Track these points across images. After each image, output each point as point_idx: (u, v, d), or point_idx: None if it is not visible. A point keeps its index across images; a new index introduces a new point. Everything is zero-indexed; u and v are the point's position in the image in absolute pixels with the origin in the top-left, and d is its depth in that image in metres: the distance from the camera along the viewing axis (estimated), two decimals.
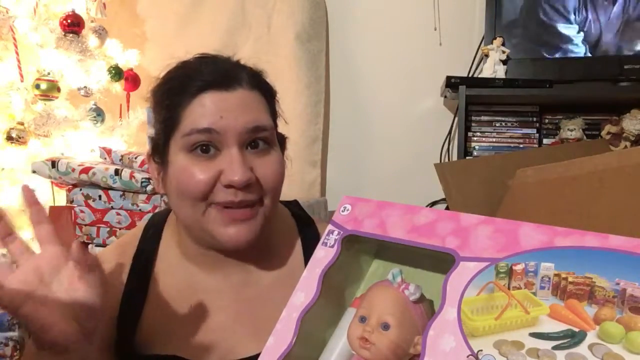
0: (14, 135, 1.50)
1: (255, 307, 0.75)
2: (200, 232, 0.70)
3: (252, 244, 0.70)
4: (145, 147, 0.77)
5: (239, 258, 0.76)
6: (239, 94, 0.68)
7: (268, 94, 0.74)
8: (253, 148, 0.69)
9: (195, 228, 0.71)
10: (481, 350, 0.43)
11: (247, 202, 0.67)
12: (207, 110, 0.66)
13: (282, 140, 0.77)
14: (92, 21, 1.68)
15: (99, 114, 1.65)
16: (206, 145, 0.67)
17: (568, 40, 1.67)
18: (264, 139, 0.69)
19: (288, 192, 0.80)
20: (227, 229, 0.68)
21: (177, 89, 0.69)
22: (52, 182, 1.53)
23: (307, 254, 0.79)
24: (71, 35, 1.57)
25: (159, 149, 0.72)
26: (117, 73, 1.69)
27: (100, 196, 1.38)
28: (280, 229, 0.82)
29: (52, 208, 1.47)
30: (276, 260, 0.79)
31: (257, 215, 0.69)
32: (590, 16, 1.65)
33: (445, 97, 1.83)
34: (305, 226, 0.84)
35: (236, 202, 0.67)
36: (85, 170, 1.36)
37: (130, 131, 1.72)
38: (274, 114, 0.74)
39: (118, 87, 1.74)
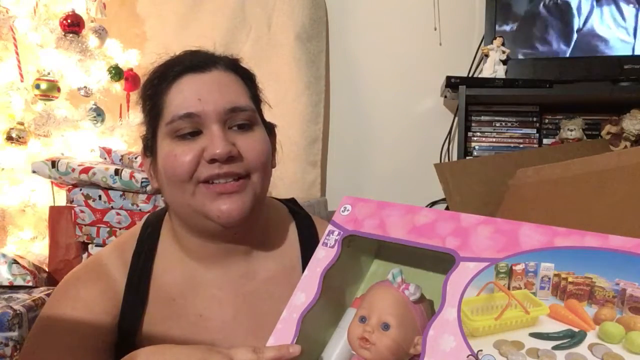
0: (14, 135, 1.50)
1: (253, 302, 0.76)
2: (194, 217, 0.71)
3: (245, 220, 0.70)
4: None
5: (236, 251, 0.76)
6: (215, 74, 0.71)
7: (246, 77, 0.75)
8: (235, 127, 0.70)
9: (189, 213, 0.71)
10: (481, 350, 0.43)
11: (231, 174, 0.68)
12: (185, 95, 0.69)
13: (269, 127, 0.78)
14: (92, 21, 1.68)
15: (99, 114, 1.65)
16: (188, 129, 0.68)
17: (568, 40, 1.67)
18: (244, 119, 0.71)
19: (288, 192, 0.80)
20: (217, 204, 0.68)
21: (157, 79, 0.72)
22: (52, 182, 1.53)
23: (304, 250, 0.80)
24: (71, 35, 1.57)
25: (149, 143, 0.74)
26: (117, 73, 1.69)
27: (100, 196, 1.38)
28: (277, 224, 0.82)
29: (52, 208, 1.47)
30: (273, 254, 0.80)
31: (246, 189, 0.70)
32: (591, 16, 1.65)
33: (445, 97, 1.83)
34: (302, 222, 0.84)
35: (222, 174, 0.68)
36: (85, 170, 1.36)
37: (130, 131, 1.72)
38: (255, 98, 0.75)
39: (118, 87, 1.74)
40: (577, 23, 1.66)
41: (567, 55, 1.67)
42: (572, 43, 1.67)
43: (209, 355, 0.52)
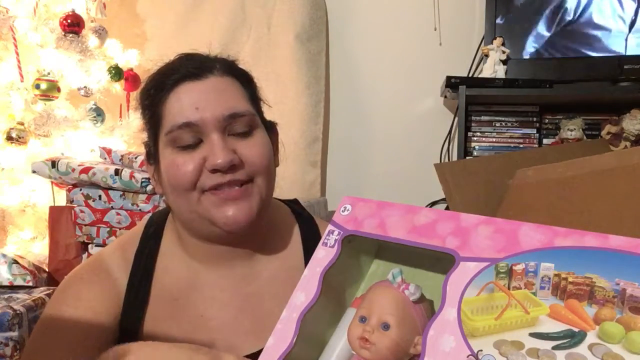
0: (14, 135, 1.50)
1: (256, 303, 0.76)
2: (200, 223, 0.71)
3: (252, 226, 0.70)
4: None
5: (239, 252, 0.76)
6: (211, 81, 0.70)
7: (243, 79, 0.75)
8: (234, 133, 0.70)
9: (195, 220, 0.71)
10: (481, 350, 0.43)
11: (236, 181, 0.69)
12: (183, 104, 0.69)
13: (270, 126, 0.78)
14: (92, 21, 1.68)
15: (99, 114, 1.65)
16: (188, 139, 0.68)
17: (568, 40, 1.67)
18: (244, 124, 0.70)
19: (288, 192, 0.80)
20: (224, 211, 0.68)
21: (154, 88, 0.72)
22: (52, 182, 1.53)
23: (307, 251, 0.80)
24: (71, 35, 1.57)
25: (151, 151, 0.75)
26: (117, 73, 1.69)
27: (100, 196, 1.38)
28: (280, 225, 0.82)
29: (52, 208, 1.47)
30: (277, 255, 0.80)
31: (251, 194, 0.70)
32: (591, 16, 1.65)
33: (445, 97, 1.83)
34: (305, 223, 0.84)
35: (225, 183, 0.68)
36: (85, 170, 1.36)
37: (130, 131, 1.72)
38: (254, 99, 0.75)
39: (118, 87, 1.74)
40: (577, 23, 1.66)
41: (567, 55, 1.67)
42: (572, 43, 1.67)
43: (196, 356, 0.52)
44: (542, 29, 1.69)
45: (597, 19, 1.64)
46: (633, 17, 1.62)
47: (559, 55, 1.68)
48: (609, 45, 1.64)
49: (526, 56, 1.70)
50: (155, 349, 0.56)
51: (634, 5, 1.62)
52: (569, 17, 1.66)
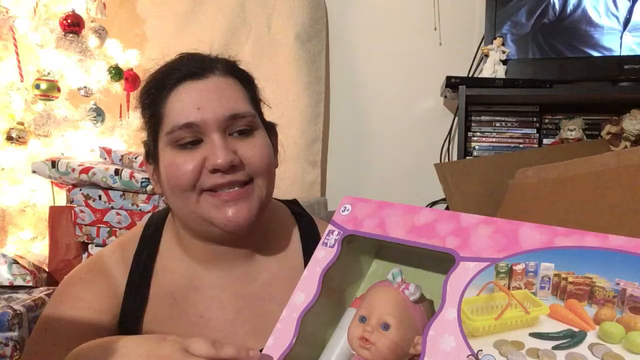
0: (14, 135, 1.50)
1: (255, 304, 0.76)
2: (199, 223, 0.71)
3: (252, 226, 0.70)
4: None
5: (239, 253, 0.76)
6: (213, 81, 0.70)
7: (244, 80, 0.75)
8: (235, 134, 0.70)
9: (194, 220, 0.71)
10: (481, 350, 0.43)
11: (235, 182, 0.68)
12: (184, 104, 0.68)
13: (270, 127, 0.78)
14: (92, 21, 1.68)
15: (99, 114, 1.66)
16: (189, 138, 0.68)
17: (568, 40, 1.67)
18: (245, 125, 0.70)
19: (288, 192, 0.80)
20: (224, 212, 0.68)
21: (155, 87, 0.71)
22: (52, 182, 1.53)
23: (306, 252, 0.80)
24: (71, 35, 1.57)
25: (150, 150, 0.74)
26: (117, 73, 1.69)
27: (100, 196, 1.38)
28: (279, 226, 0.82)
29: (52, 208, 1.47)
30: (276, 256, 0.80)
31: (251, 195, 0.70)
32: (590, 16, 1.65)
33: (445, 97, 1.83)
34: (304, 224, 0.84)
35: (225, 184, 0.68)
36: (85, 170, 1.36)
37: (130, 131, 1.72)
38: (254, 100, 0.75)
39: (118, 87, 1.74)
40: (577, 22, 1.66)
41: (567, 55, 1.67)
42: (573, 43, 1.66)
43: (160, 346, 0.50)
44: (535, 25, 1.69)
45: (591, 15, 1.64)
46: (627, 16, 1.62)
47: (559, 56, 1.68)
48: (603, 42, 1.64)
49: (526, 56, 1.70)
50: (115, 341, 0.54)
51: (628, 4, 1.62)
52: (562, 13, 1.66)
